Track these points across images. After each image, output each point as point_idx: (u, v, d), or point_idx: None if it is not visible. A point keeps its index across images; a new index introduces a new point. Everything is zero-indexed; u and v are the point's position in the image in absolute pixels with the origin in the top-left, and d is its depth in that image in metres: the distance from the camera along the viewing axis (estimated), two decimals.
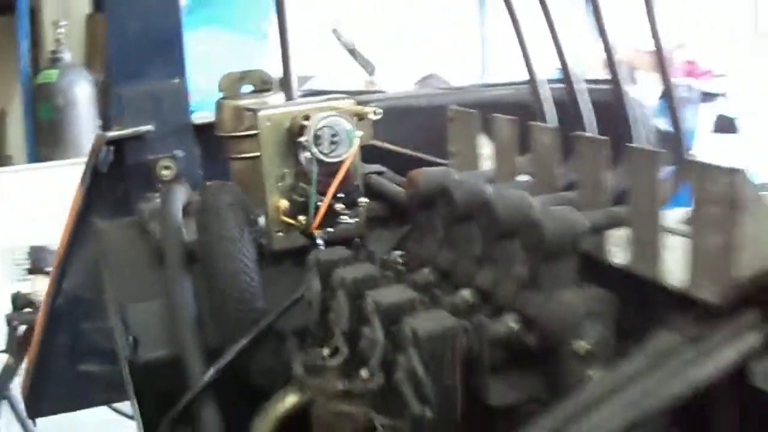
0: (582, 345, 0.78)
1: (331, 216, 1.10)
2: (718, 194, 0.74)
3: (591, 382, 0.77)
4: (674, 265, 0.83)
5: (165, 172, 1.56)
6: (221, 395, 1.07)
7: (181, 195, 1.23)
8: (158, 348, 1.10)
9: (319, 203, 1.10)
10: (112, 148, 1.62)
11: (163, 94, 1.65)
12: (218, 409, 1.06)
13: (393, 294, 0.87)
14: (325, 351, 0.93)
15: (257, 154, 1.19)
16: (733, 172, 0.73)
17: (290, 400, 1.02)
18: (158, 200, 1.35)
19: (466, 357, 0.80)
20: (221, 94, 1.38)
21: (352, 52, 3.81)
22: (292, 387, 1.02)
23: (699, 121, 5.23)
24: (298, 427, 1.00)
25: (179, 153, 1.59)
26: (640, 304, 0.86)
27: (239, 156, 1.32)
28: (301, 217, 1.11)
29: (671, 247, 0.83)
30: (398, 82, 4.58)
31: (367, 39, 4.93)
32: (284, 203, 1.13)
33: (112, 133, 1.63)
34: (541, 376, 0.81)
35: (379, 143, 1.38)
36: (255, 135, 1.18)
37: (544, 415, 0.72)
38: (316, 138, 1.07)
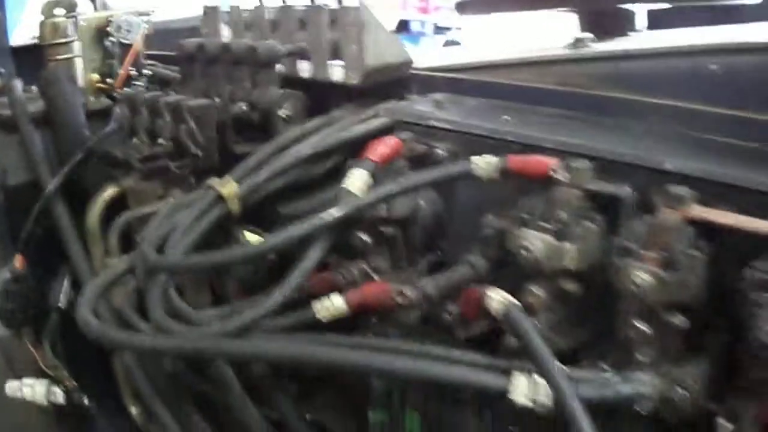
0: (284, 111, 1.51)
1: (128, 80, 1.78)
2: (353, 21, 1.47)
3: (287, 130, 1.48)
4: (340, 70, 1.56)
5: None
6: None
7: (19, 84, 1.87)
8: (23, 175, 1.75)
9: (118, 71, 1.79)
10: None
11: None
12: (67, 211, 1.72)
13: (174, 98, 1.56)
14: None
15: (69, 55, 1.87)
16: (360, 8, 1.47)
17: (109, 192, 1.69)
18: None
19: (218, 123, 1.51)
20: (42, 17, 1.99)
21: None
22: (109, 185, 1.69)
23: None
24: None
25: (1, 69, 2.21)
26: (320, 98, 1.58)
27: (57, 58, 1.90)
28: (109, 81, 1.79)
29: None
30: None
31: None
32: (96, 77, 1.80)
33: None
34: (261, 135, 1.52)
35: None
36: (68, 42, 1.86)
37: (252, 155, 1.41)
38: (117, 28, 1.76)
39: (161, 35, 1.91)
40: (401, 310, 1.17)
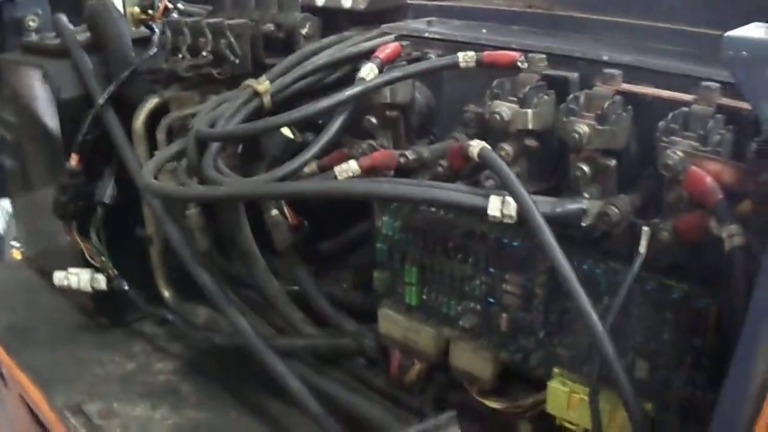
0: (305, 30, 1.96)
1: (167, 11, 2.24)
2: None
3: (307, 45, 1.93)
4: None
5: (31, 24, 2.61)
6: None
7: (64, 17, 2.31)
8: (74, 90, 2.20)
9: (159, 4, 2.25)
10: None
11: None
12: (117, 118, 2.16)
13: (214, 19, 2.01)
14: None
15: None
16: None
17: (152, 101, 2.13)
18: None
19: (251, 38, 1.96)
20: None
21: None
22: (151, 96, 2.14)
23: None
24: None
25: (39, 11, 2.64)
26: (332, 23, 2.03)
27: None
28: (150, 12, 2.24)
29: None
30: None
31: None
32: (137, 9, 2.26)
33: None
34: (285, 50, 1.97)
35: None
36: None
37: (280, 63, 1.86)
38: None
39: None
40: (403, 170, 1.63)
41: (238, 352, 2.02)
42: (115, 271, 2.24)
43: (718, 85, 1.28)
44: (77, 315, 2.45)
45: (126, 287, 2.22)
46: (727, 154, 1.27)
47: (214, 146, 1.69)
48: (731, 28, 1.05)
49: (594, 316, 1.29)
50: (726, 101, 1.28)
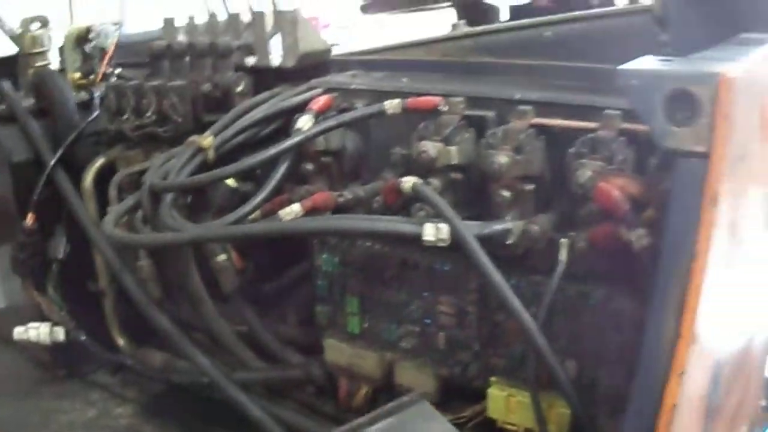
0: (239, 89, 2.09)
1: (105, 76, 2.34)
2: (290, 20, 2.07)
3: (242, 102, 2.05)
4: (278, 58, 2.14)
5: None
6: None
7: (9, 85, 2.39)
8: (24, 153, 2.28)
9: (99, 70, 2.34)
10: None
11: None
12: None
13: (157, 82, 2.12)
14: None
15: (46, 62, 2.41)
16: (296, 11, 2.06)
17: (98, 162, 2.23)
18: None
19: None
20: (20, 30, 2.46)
21: None
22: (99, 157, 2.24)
23: None
24: None
25: None
26: (263, 80, 2.15)
27: (36, 65, 2.41)
28: (91, 77, 2.34)
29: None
30: None
31: None
32: (77, 75, 2.35)
33: None
34: (223, 108, 2.09)
35: None
36: (44, 51, 2.41)
37: (220, 120, 1.99)
38: (97, 35, 2.32)
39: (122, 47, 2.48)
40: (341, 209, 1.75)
41: (192, 394, 2.13)
42: (72, 323, 2.29)
43: (618, 112, 1.43)
44: (35, 369, 2.50)
45: (83, 337, 2.28)
46: (631, 170, 1.42)
47: (168, 197, 1.79)
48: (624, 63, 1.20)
49: (526, 315, 1.44)
50: (627, 125, 1.42)
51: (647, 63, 1.18)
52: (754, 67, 1.21)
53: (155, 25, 2.35)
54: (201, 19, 2.26)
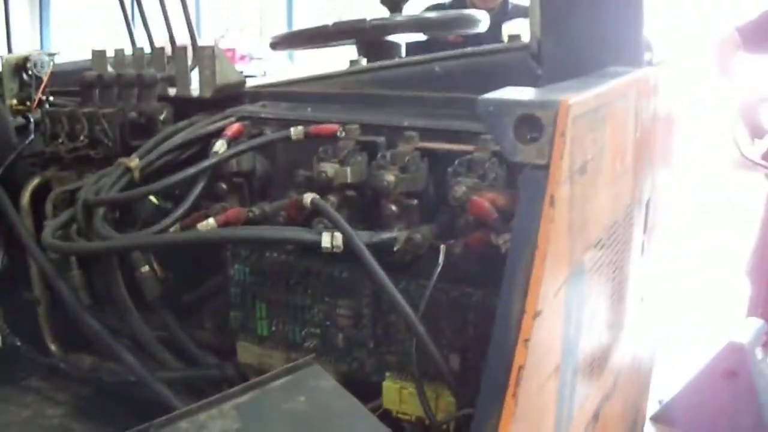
0: (162, 116, 2.18)
1: (41, 103, 2.41)
2: (209, 54, 2.17)
3: (165, 129, 2.15)
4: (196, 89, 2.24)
5: None
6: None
7: None
8: None
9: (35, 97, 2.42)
10: None
11: None
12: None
13: (88, 109, 2.20)
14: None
15: None
16: (215, 46, 2.16)
17: (34, 181, 2.29)
18: None
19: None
20: None
21: None
22: (35, 176, 2.30)
23: None
24: None
25: None
26: (183, 109, 2.25)
27: None
28: (27, 104, 2.41)
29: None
30: None
31: None
32: (15, 101, 2.42)
33: None
34: (146, 134, 2.18)
35: None
36: None
37: (144, 145, 2.09)
38: (34, 64, 2.39)
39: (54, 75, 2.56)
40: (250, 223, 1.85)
41: (118, 395, 2.19)
42: (8, 330, 2.34)
43: (491, 136, 1.55)
44: None
45: (18, 343, 2.34)
46: (502, 186, 1.54)
47: (101, 211, 1.88)
48: None
49: (409, 310, 1.57)
50: (498, 148, 1.54)
51: (503, 93, 1.31)
52: (595, 96, 1.34)
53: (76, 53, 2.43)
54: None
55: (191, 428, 1.34)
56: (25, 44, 2.85)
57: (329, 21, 2.45)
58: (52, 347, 2.35)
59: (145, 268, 2.03)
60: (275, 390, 1.43)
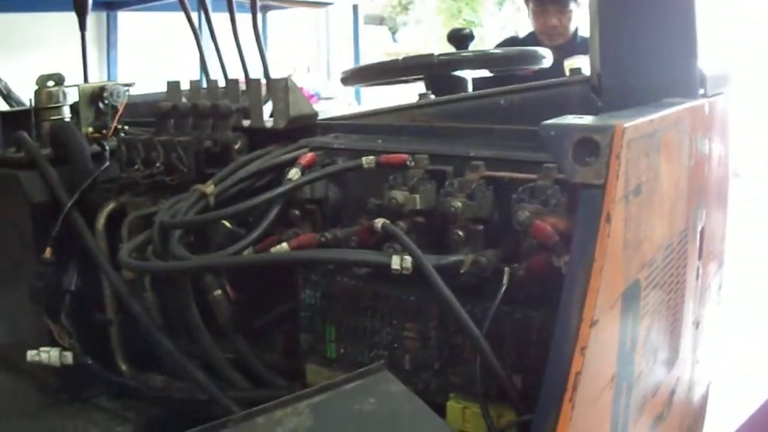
0: (236, 146, 2.43)
1: (116, 131, 2.68)
2: (282, 87, 2.43)
3: (239, 158, 2.39)
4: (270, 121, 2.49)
5: None
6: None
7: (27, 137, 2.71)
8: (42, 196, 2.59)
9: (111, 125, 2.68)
10: None
11: None
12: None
13: (165, 137, 2.45)
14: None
15: (60, 117, 2.72)
16: (288, 78, 2.42)
17: (110, 206, 2.55)
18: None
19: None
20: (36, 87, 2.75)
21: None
22: (109, 202, 2.56)
23: None
24: None
25: None
26: (257, 140, 2.50)
27: (50, 119, 2.70)
28: (104, 132, 2.66)
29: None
30: None
31: None
32: (90, 129, 2.68)
33: None
34: (221, 162, 2.43)
35: None
36: (59, 107, 2.72)
37: (219, 172, 2.34)
38: (110, 94, 2.66)
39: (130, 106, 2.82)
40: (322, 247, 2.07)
41: (187, 416, 2.35)
42: (80, 348, 2.55)
43: (554, 165, 1.74)
44: (39, 393, 2.74)
45: (90, 362, 2.56)
46: (563, 211, 1.74)
47: (177, 233, 2.11)
48: None
49: (476, 331, 1.76)
50: (560, 176, 1.75)
51: (563, 119, 1.53)
52: (649, 121, 1.57)
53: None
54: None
55: (267, 424, 1.54)
56: (93, 77, 3.08)
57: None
58: (123, 367, 2.57)
59: (218, 292, 2.24)
60: (347, 392, 1.63)
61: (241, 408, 2.16)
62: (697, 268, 2.07)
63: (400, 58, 2.71)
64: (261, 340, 2.42)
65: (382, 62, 2.83)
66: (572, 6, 4.58)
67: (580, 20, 4.64)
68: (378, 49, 12.59)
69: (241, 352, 2.33)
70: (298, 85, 2.55)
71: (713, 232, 2.26)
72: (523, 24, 4.67)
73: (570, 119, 1.53)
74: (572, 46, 4.49)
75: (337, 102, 7.92)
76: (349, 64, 12.05)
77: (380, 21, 20.76)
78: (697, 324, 2.19)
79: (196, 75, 2.93)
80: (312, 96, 8.39)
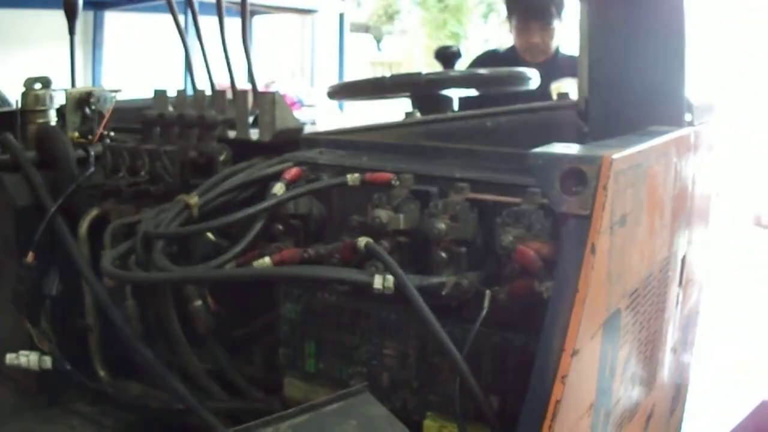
0: (221, 158, 2.41)
1: (101, 137, 2.66)
2: (269, 100, 2.41)
3: (224, 170, 2.38)
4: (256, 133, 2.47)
5: None
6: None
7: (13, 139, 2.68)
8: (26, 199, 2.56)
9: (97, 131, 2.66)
10: None
11: None
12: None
13: (150, 146, 2.44)
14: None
15: (46, 120, 2.69)
16: (276, 92, 2.41)
17: (93, 212, 2.53)
18: None
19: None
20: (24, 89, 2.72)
21: None
22: (93, 208, 2.54)
23: None
24: None
25: None
26: (242, 152, 2.49)
27: (37, 122, 2.68)
28: (90, 137, 2.64)
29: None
30: None
31: None
32: (76, 134, 2.65)
33: None
34: (206, 173, 2.42)
35: None
36: (45, 110, 2.70)
37: (203, 183, 2.33)
38: (96, 99, 2.64)
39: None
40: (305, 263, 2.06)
41: (163, 423, 2.39)
42: (60, 353, 2.53)
43: (538, 190, 1.75)
44: (16, 397, 2.71)
45: (69, 367, 2.53)
46: (547, 237, 1.73)
47: (160, 244, 2.09)
48: None
49: (454, 350, 1.75)
50: (545, 201, 1.74)
51: (551, 148, 1.53)
52: (637, 152, 1.57)
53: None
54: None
55: None
56: (78, 82, 3.06)
57: (382, 73, 2.69)
58: (101, 373, 2.55)
59: (198, 302, 2.24)
60: (328, 413, 1.63)
61: (219, 418, 2.16)
62: (677, 294, 2.07)
63: (386, 70, 2.72)
64: (240, 352, 2.41)
65: (369, 79, 2.82)
66: (555, 23, 4.59)
67: (562, 37, 4.65)
68: (362, 57, 12.56)
69: (220, 363, 2.32)
70: (281, 92, 2.54)
71: (694, 259, 2.26)
72: (507, 37, 4.66)
73: (558, 148, 1.52)
74: (554, 62, 4.51)
75: (319, 110, 7.94)
76: (334, 72, 12.05)
77: (365, 29, 20.79)
78: (674, 350, 2.19)
79: (181, 77, 2.90)
80: (294, 103, 8.41)
